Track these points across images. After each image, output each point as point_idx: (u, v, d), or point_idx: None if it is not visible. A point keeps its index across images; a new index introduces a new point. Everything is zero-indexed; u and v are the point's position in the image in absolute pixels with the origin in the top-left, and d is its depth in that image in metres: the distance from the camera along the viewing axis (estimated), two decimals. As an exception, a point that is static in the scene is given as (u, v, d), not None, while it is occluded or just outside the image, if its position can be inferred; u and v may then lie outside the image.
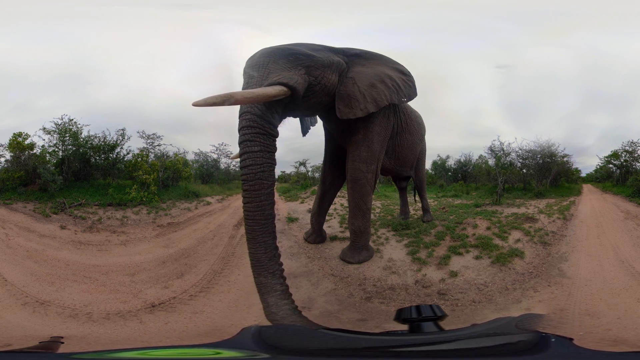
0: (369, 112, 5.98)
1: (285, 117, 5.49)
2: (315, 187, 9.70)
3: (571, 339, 1.47)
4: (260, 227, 4.61)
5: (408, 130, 7.84)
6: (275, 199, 4.89)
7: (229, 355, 1.49)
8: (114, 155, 11.50)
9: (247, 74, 5.24)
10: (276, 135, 4.96)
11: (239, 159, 4.93)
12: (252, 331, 1.69)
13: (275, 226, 4.80)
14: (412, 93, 6.66)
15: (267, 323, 4.22)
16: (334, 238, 8.05)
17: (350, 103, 5.87)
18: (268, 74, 5.03)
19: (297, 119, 7.16)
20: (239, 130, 4.81)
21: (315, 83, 5.48)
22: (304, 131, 7.40)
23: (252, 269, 4.60)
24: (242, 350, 1.51)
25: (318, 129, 7.79)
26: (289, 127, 7.45)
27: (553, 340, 1.46)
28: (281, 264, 4.70)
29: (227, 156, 14.14)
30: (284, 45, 5.42)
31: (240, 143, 4.79)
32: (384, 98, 6.12)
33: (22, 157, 10.22)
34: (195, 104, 4.26)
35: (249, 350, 1.50)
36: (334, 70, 5.78)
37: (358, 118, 6.34)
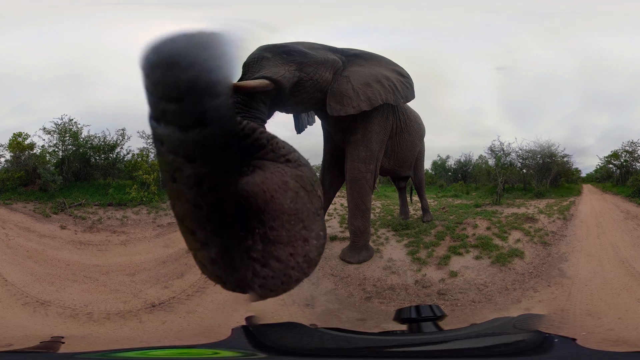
0: (361, 110, 5.97)
1: (275, 110, 5.50)
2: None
3: (574, 340, 1.46)
4: None
5: (407, 131, 7.82)
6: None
7: (227, 355, 1.49)
8: (114, 155, 11.52)
9: (242, 70, 5.30)
10: (263, 118, 4.92)
11: None
12: (247, 331, 1.69)
13: None
14: (409, 95, 6.68)
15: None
16: (334, 238, 8.05)
17: (342, 100, 5.88)
18: (259, 69, 5.10)
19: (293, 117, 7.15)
20: None
21: (307, 79, 5.51)
22: (298, 129, 7.39)
23: None
24: (240, 350, 1.51)
25: (317, 129, 7.78)
26: (288, 127, 7.47)
27: (556, 340, 1.46)
28: None
29: None
30: (281, 43, 5.46)
31: None
32: (379, 97, 6.12)
33: (22, 157, 10.24)
34: None
35: (246, 350, 1.50)
36: (328, 68, 5.80)
37: (357, 118, 6.34)
